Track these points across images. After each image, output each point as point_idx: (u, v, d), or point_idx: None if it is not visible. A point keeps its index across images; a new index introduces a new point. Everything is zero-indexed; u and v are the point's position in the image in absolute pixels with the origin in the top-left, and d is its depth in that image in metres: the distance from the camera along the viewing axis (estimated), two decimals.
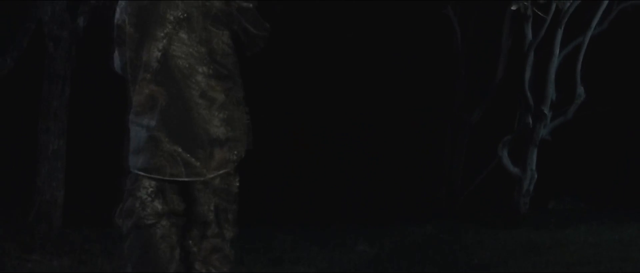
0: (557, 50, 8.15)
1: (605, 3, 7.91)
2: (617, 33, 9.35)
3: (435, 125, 11.63)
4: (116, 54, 4.01)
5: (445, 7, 10.46)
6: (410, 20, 11.45)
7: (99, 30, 8.72)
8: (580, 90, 8.38)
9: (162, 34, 3.88)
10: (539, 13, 6.80)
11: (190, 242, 3.85)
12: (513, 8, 6.43)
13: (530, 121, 8.37)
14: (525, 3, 6.34)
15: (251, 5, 4.02)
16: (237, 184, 3.92)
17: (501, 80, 10.24)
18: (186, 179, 3.79)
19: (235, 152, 3.91)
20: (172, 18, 3.90)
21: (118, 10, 3.93)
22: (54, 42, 7.24)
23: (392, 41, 11.92)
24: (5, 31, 8.20)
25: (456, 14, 10.66)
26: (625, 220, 7.95)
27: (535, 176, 8.44)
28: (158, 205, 3.84)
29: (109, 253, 6.35)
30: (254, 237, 7.09)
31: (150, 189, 3.83)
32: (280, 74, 11.33)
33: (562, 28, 8.00)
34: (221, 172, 3.89)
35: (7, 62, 7.60)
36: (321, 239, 7.23)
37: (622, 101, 10.99)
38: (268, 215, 9.23)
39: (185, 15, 3.90)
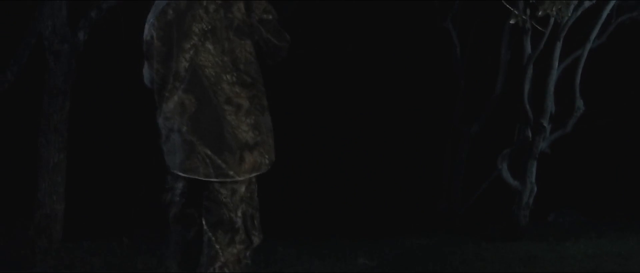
0: (556, 64, 8.17)
1: (604, 17, 7.93)
2: (615, 46, 9.39)
3: (435, 137, 11.65)
4: (145, 68, 4.36)
5: (445, 21, 10.50)
6: (409, 33, 11.49)
7: (99, 44, 8.77)
8: (579, 103, 8.39)
9: (189, 46, 4.16)
10: (538, 27, 6.81)
11: (217, 246, 4.06)
12: (511, 22, 6.45)
13: (530, 134, 8.38)
14: (523, 17, 6.35)
15: (271, 17, 4.31)
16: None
17: (500, 93, 10.26)
18: (215, 180, 4.08)
19: (267, 157, 4.19)
20: (197, 30, 4.18)
21: (146, 26, 4.28)
22: (54, 56, 7.24)
23: (392, 54, 11.95)
24: (6, 45, 8.22)
25: (455, 27, 10.69)
26: (625, 232, 7.97)
27: (535, 189, 8.45)
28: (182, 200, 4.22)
29: (110, 267, 6.35)
30: (254, 249, 7.08)
31: (184, 188, 4.21)
32: (282, 85, 11.34)
33: (561, 41, 8.02)
34: (253, 174, 4.17)
35: (8, 76, 7.62)
36: (322, 252, 7.22)
37: (621, 114, 11.01)
38: (269, 227, 9.21)
39: (209, 27, 4.17)
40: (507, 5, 6.15)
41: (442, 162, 11.31)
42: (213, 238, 4.08)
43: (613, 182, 11.61)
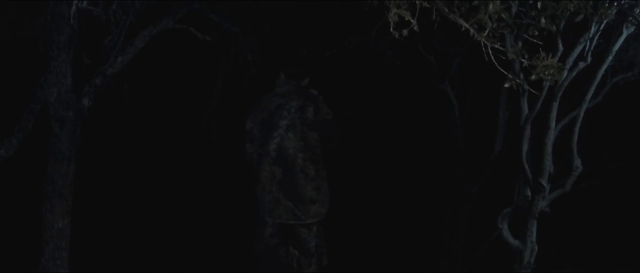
0: (553, 124, 8.25)
1: (599, 77, 8.05)
2: (611, 106, 9.50)
3: (435, 198, 11.70)
4: (247, 147, 6.98)
5: (443, 82, 10.65)
6: (407, 95, 11.62)
7: (103, 110, 8.89)
8: (577, 162, 8.45)
9: (276, 134, 6.82)
10: (532, 90, 6.93)
11: (300, 267, 6.61)
12: (506, 86, 6.57)
13: (529, 194, 8.44)
14: (517, 81, 6.48)
15: (330, 117, 7.02)
16: None
17: (499, 154, 10.34)
18: (292, 222, 6.75)
19: (324, 208, 6.89)
20: (282, 125, 6.86)
21: (248, 120, 7.01)
22: (59, 122, 7.36)
23: (390, 116, 12.07)
24: (11, 112, 8.34)
25: (453, 88, 10.83)
26: None
27: (536, 248, 8.48)
28: (276, 238, 6.79)
29: None
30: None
31: (272, 229, 6.80)
32: None
33: (557, 101, 8.13)
34: (316, 219, 6.83)
35: (13, 142, 7.73)
36: None
37: (619, 173, 11.08)
38: None
39: (290, 123, 6.84)
40: (502, 70, 6.27)
41: (442, 223, 11.35)
42: (298, 262, 6.59)
43: (613, 241, 11.62)
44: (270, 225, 6.85)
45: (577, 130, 8.39)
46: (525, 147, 8.38)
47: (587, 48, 7.72)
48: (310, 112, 6.83)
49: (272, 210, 6.73)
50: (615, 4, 7.16)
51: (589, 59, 7.76)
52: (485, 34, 6.05)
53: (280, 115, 6.78)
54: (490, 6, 5.94)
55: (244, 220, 11.21)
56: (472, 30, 5.99)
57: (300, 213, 6.69)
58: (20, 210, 9.48)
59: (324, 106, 6.98)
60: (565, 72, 7.64)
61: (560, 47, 7.53)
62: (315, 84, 7.74)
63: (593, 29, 7.55)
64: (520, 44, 6.80)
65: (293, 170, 6.74)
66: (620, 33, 7.68)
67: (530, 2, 6.66)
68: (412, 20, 5.98)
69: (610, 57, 7.85)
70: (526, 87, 7.52)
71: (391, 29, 6.06)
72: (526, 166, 8.38)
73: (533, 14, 6.77)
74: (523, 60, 6.32)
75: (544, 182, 8.36)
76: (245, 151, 6.88)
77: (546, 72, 6.09)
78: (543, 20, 6.48)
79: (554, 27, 6.74)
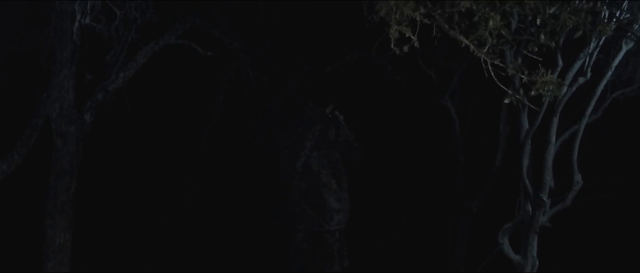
0: (553, 139, 8.27)
1: (598, 93, 8.07)
2: (611, 121, 9.52)
3: (435, 213, 11.70)
4: (281, 164, 8.32)
5: (443, 97, 10.67)
6: (408, 110, 11.64)
7: (105, 125, 8.92)
8: (578, 177, 8.46)
9: (303, 154, 8.14)
10: (531, 106, 6.96)
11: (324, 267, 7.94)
12: (506, 102, 6.60)
13: (530, 208, 8.45)
14: (517, 97, 6.52)
15: (349, 138, 8.40)
16: None
17: (500, 168, 10.36)
18: (318, 229, 8.05)
19: (345, 217, 8.20)
20: (308, 145, 8.15)
21: (280, 141, 8.36)
22: (61, 137, 7.40)
23: (391, 131, 12.08)
24: (13, 127, 8.37)
25: (454, 103, 10.86)
26: None
27: (537, 263, 8.48)
28: (305, 244, 8.05)
29: None
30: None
31: (303, 234, 8.13)
32: None
33: (558, 116, 8.15)
34: (338, 227, 8.11)
35: (15, 157, 7.76)
36: None
37: (619, 187, 11.08)
38: None
39: (315, 144, 8.12)
40: (501, 86, 6.31)
41: (443, 237, 11.35)
42: (323, 264, 7.73)
43: (614, 255, 11.62)
44: (301, 231, 8.17)
45: (577, 145, 8.40)
46: (525, 162, 8.40)
47: (586, 63, 7.75)
48: (332, 134, 8.27)
49: (301, 219, 8.10)
50: (614, 19, 7.20)
51: (589, 74, 7.79)
52: (485, 50, 6.09)
53: (306, 136, 8.20)
54: (490, 22, 5.99)
55: (244, 235, 11.23)
56: (472, 46, 6.03)
57: (324, 222, 8.04)
58: (22, 225, 9.49)
59: (345, 129, 8.48)
60: (565, 88, 7.67)
61: (560, 62, 7.56)
62: (320, 98, 8.85)
63: (592, 45, 7.58)
64: (519, 59, 6.84)
65: (317, 185, 8.09)
66: (620, 48, 7.71)
67: (530, 18, 6.70)
68: (412, 37, 6.02)
69: (610, 73, 7.88)
70: (526, 102, 7.56)
71: (392, 45, 6.10)
72: (527, 181, 8.39)
73: (532, 30, 6.81)
74: (523, 76, 6.36)
75: (545, 197, 8.37)
76: (279, 167, 8.29)
77: (546, 88, 6.12)
78: (542, 36, 6.52)
79: (553, 43, 6.77)
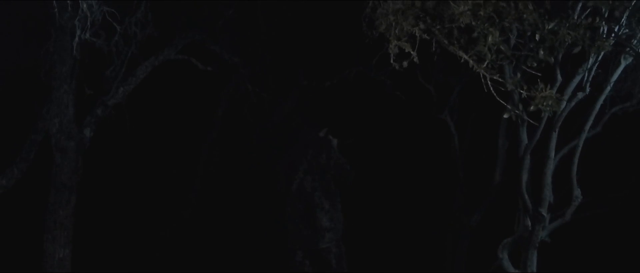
0: (552, 153, 8.27)
1: (597, 107, 8.08)
2: (611, 135, 9.53)
3: (435, 229, 11.69)
4: (278, 185, 8.83)
5: (443, 112, 10.68)
6: (407, 125, 11.65)
7: (105, 141, 8.93)
8: (577, 192, 8.47)
9: (297, 177, 8.76)
10: (531, 121, 6.98)
11: None
12: (505, 116, 6.61)
13: (529, 223, 8.44)
14: (516, 112, 6.53)
15: (341, 162, 8.97)
16: None
17: (499, 183, 10.36)
18: (313, 248, 8.63)
19: (337, 234, 8.71)
20: (301, 169, 8.78)
21: (279, 165, 9.06)
22: (61, 153, 7.41)
23: (390, 146, 12.09)
24: (12, 142, 8.38)
25: (453, 118, 10.87)
26: None
27: None
28: (307, 260, 8.64)
29: None
30: None
31: (302, 253, 8.63)
32: None
33: (557, 131, 8.15)
34: (332, 243, 8.62)
35: (14, 172, 7.76)
36: None
37: (618, 202, 11.08)
38: None
39: (308, 167, 8.74)
40: (501, 101, 6.32)
41: (443, 252, 11.34)
42: None
43: (613, 270, 11.60)
44: (299, 250, 8.69)
45: (576, 160, 8.41)
46: (525, 177, 8.40)
47: (585, 78, 7.77)
48: (323, 157, 8.88)
49: (297, 238, 8.65)
50: (613, 35, 7.22)
51: (588, 90, 7.81)
52: (485, 65, 6.10)
53: (300, 160, 8.80)
54: (489, 38, 6.00)
55: (244, 250, 11.21)
56: (471, 61, 6.04)
57: (317, 241, 8.60)
58: (21, 240, 9.48)
59: (335, 152, 9.04)
60: (564, 103, 7.68)
61: (559, 77, 7.58)
62: (316, 120, 9.42)
63: (591, 60, 7.60)
64: (519, 75, 6.86)
65: (311, 205, 8.69)
66: (619, 64, 7.72)
67: (529, 34, 6.72)
68: (412, 52, 6.04)
69: (609, 88, 7.89)
70: (525, 117, 7.57)
71: (391, 61, 6.11)
72: (526, 196, 8.39)
73: (531, 46, 6.83)
74: (522, 91, 6.37)
75: (544, 212, 8.36)
76: (277, 187, 8.91)
77: (545, 103, 6.13)
78: (541, 51, 6.54)
79: (552, 59, 6.78)
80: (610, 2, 6.57)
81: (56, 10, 7.25)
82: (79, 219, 7.64)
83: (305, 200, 8.76)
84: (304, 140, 9.17)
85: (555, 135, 8.21)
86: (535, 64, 6.62)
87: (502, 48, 6.29)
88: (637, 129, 10.16)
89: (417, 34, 6.07)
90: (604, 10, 6.91)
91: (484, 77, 6.17)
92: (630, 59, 7.70)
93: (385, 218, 12.28)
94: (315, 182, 8.82)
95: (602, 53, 7.39)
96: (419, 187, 12.05)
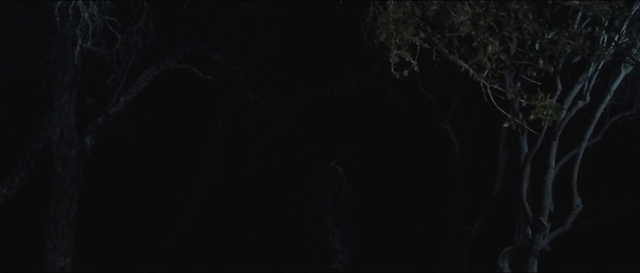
0: (552, 162, 8.28)
1: (598, 116, 8.09)
2: (611, 144, 9.53)
3: (436, 237, 11.69)
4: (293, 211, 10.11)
5: (443, 121, 10.69)
6: (408, 134, 11.66)
7: (106, 149, 8.94)
8: (577, 200, 8.47)
9: (311, 203, 9.54)
10: (531, 130, 6.99)
11: None
12: (505, 125, 6.63)
13: (530, 232, 8.44)
14: (516, 120, 6.54)
15: (349, 190, 9.89)
16: None
17: (499, 192, 10.36)
18: (324, 270, 9.40)
19: (346, 255, 9.68)
20: (316, 196, 9.61)
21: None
22: (62, 161, 7.42)
23: (390, 154, 12.10)
24: (13, 151, 8.39)
25: (454, 127, 10.88)
26: None
27: None
28: None
29: None
30: None
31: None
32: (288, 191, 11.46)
33: (557, 140, 8.16)
34: (342, 264, 9.52)
35: (15, 181, 7.77)
36: None
37: (619, 211, 11.08)
38: None
39: (321, 194, 9.79)
40: (501, 110, 6.33)
41: (443, 261, 11.33)
42: None
43: None
44: (311, 271, 9.87)
45: (576, 168, 8.41)
46: (525, 186, 8.40)
47: (585, 88, 7.78)
48: (335, 186, 10.06)
49: (310, 260, 9.72)
50: (613, 44, 7.24)
51: (588, 99, 7.82)
52: (485, 74, 6.12)
53: (314, 189, 10.02)
54: (489, 47, 6.02)
55: (245, 257, 11.21)
56: (471, 70, 6.05)
57: (329, 262, 9.71)
58: (22, 249, 9.48)
59: (345, 181, 10.25)
60: (564, 112, 7.69)
61: (559, 86, 7.59)
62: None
63: (591, 69, 7.62)
64: (519, 84, 6.87)
65: (323, 230, 9.89)
66: (619, 72, 7.74)
67: (529, 43, 6.73)
68: (412, 61, 6.05)
69: (609, 97, 7.91)
70: (525, 126, 7.59)
71: (392, 70, 6.12)
72: (526, 204, 8.40)
73: (531, 55, 6.84)
74: (522, 100, 6.38)
75: (545, 221, 8.37)
76: (292, 211, 10.18)
77: (545, 112, 6.14)
78: (541, 61, 6.55)
79: (552, 68, 6.79)
80: (610, 11, 6.58)
81: (57, 19, 7.28)
82: (80, 228, 7.64)
83: (318, 225, 10.06)
84: (317, 170, 10.40)
85: (555, 144, 8.22)
86: (535, 73, 6.63)
87: (502, 57, 6.31)
88: (637, 138, 10.17)
89: (417, 43, 6.09)
90: (603, 19, 6.93)
91: (484, 86, 6.18)
92: (630, 68, 7.72)
93: (386, 227, 12.27)
94: (327, 209, 10.11)
95: (602, 62, 7.41)
96: (420, 195, 12.05)
